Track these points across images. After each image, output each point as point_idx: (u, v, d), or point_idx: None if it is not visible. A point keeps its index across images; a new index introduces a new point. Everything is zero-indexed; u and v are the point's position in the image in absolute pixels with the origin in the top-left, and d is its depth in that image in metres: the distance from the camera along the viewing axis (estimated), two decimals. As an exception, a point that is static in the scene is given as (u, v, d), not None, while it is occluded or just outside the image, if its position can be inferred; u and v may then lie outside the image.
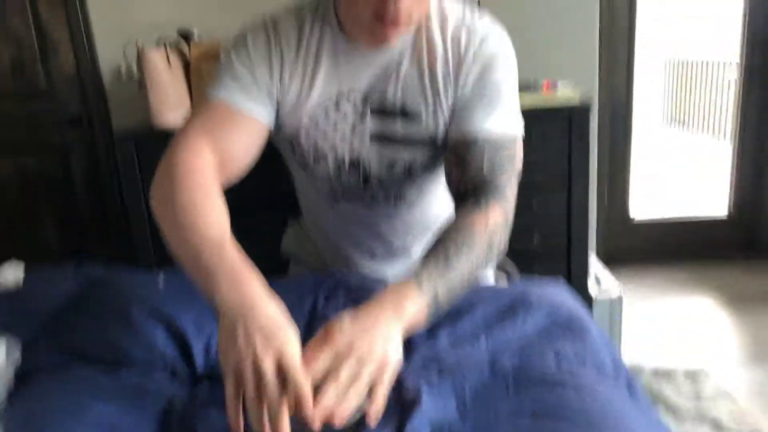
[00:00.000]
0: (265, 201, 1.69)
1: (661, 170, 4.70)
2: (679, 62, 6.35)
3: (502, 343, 0.78)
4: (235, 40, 0.94)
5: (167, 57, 2.03)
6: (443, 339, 0.80)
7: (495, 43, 0.93)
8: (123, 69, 2.32)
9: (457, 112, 0.93)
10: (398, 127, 0.95)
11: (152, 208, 0.81)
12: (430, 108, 0.94)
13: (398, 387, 0.70)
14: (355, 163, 0.99)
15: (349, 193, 1.03)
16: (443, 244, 0.82)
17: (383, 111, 0.95)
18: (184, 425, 0.68)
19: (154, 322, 0.84)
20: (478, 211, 0.86)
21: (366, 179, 1.00)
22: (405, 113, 0.95)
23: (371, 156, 0.97)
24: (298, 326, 0.86)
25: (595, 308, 2.15)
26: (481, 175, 0.90)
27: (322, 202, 1.08)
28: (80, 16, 2.32)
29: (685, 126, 6.18)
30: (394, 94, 0.94)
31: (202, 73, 2.07)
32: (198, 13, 2.33)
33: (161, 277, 0.94)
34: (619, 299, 2.14)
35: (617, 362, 0.77)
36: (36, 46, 2.34)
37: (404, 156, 0.97)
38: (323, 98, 0.95)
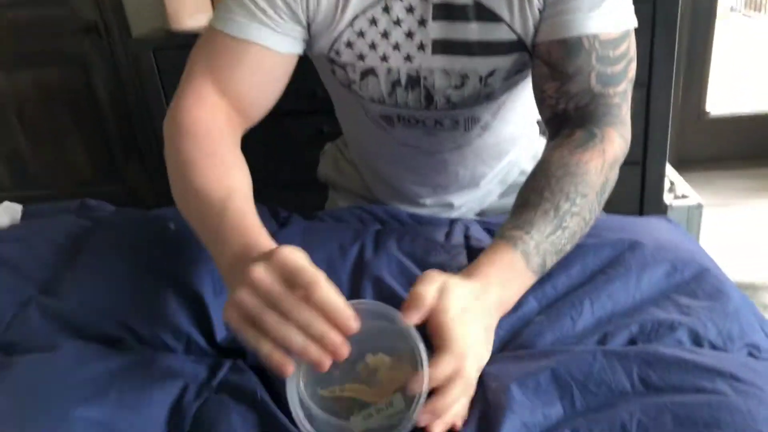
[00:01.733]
0: (299, 106, 1.49)
1: (736, 62, 4.24)
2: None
3: (613, 313, 0.59)
4: None
5: (181, -51, 1.78)
6: (532, 306, 0.61)
7: None
8: (136, -34, 2.10)
9: (552, 7, 0.69)
10: (473, 31, 0.72)
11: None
12: (516, 4, 0.70)
13: (479, 385, 0.53)
14: (414, 80, 0.76)
15: (407, 116, 0.82)
16: (551, 194, 0.62)
17: (451, 12, 0.71)
18: (200, 421, 0.53)
19: (164, 283, 0.68)
20: (592, 145, 0.66)
21: (429, 99, 0.78)
22: (481, 13, 0.71)
23: (435, 70, 0.75)
24: (341, 280, 0.70)
25: (671, 217, 1.95)
26: (588, 92, 0.68)
27: (371, 127, 0.87)
28: None
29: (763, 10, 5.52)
30: None
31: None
32: None
33: (172, 224, 0.77)
34: (698, 207, 1.92)
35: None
36: (45, -55, 2.11)
37: (480, 68, 0.74)
38: (366, 1, 0.72)
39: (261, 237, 0.56)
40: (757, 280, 1.84)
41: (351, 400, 0.52)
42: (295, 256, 0.48)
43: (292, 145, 1.79)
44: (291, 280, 0.47)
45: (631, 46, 0.70)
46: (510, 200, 1.00)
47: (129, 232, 0.76)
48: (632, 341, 0.56)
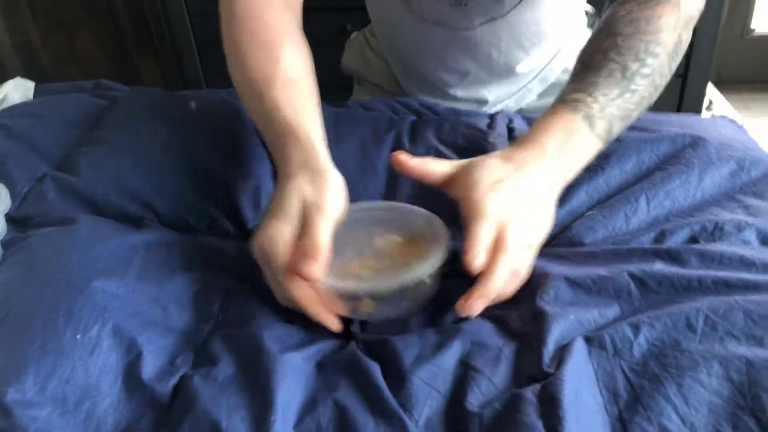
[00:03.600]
0: (323, 2, 1.40)
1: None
2: None
3: (671, 212, 0.54)
4: None
5: None
6: (582, 200, 0.56)
7: None
8: None
9: None
10: None
11: None
12: None
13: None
14: None
15: None
16: (618, 54, 0.55)
17: None
18: (231, 313, 0.49)
19: (185, 162, 0.64)
20: None
21: None
22: None
23: None
24: (376, 169, 0.65)
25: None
26: None
27: (393, 3, 0.79)
28: None
29: None
30: None
31: None
32: None
33: (193, 102, 0.72)
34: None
35: None
36: None
37: None
38: None
39: (290, 140, 0.52)
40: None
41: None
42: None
43: (313, 43, 1.70)
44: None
45: None
46: (550, 100, 0.93)
47: (148, 110, 0.71)
48: (693, 240, 0.51)
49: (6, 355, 0.43)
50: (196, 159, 0.64)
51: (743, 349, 0.39)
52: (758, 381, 0.38)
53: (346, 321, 0.48)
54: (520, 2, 0.76)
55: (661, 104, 1.65)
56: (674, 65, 0.59)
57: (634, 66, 0.55)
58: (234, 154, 0.65)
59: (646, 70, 0.55)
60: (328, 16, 1.62)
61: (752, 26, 2.42)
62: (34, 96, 0.86)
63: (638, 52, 0.55)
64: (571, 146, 0.52)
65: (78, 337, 0.44)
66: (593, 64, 0.56)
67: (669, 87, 1.71)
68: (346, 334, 0.47)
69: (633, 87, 0.54)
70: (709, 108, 1.90)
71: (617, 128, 0.55)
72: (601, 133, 0.53)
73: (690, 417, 0.37)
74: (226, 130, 0.69)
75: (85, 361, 0.43)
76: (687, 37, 0.59)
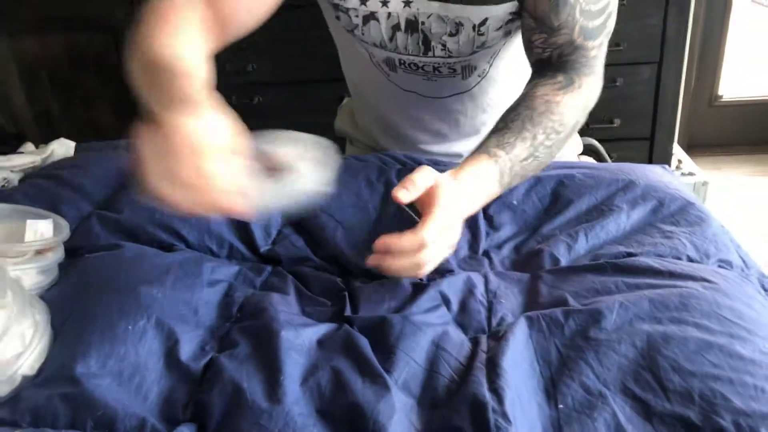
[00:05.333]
0: (325, 74, 1.57)
1: (753, 47, 4.23)
2: None
3: (605, 242, 0.67)
4: None
5: None
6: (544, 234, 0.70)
7: None
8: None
9: None
10: None
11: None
12: None
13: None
14: (413, 24, 0.81)
15: (407, 62, 0.87)
16: (532, 125, 0.70)
17: None
18: (246, 307, 0.61)
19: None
20: (571, 90, 0.74)
21: (427, 45, 0.84)
22: None
23: (432, 15, 0.80)
24: (369, 211, 0.78)
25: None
26: (571, 44, 0.75)
27: (374, 72, 0.93)
28: None
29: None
30: None
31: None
32: None
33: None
34: (704, 184, 1.97)
35: (746, 258, 0.65)
36: None
37: (472, 16, 0.79)
38: None
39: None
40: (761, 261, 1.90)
41: None
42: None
43: (316, 110, 1.86)
44: None
45: (612, 3, 0.75)
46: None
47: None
48: (618, 257, 0.64)
49: (73, 341, 0.55)
50: (218, 199, 0.77)
51: (646, 326, 0.51)
52: (655, 347, 0.49)
53: (341, 308, 0.60)
54: (480, 81, 0.90)
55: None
56: (570, 141, 0.74)
57: (540, 137, 0.69)
58: (249, 195, 0.78)
59: (548, 143, 0.70)
60: (330, 87, 1.79)
61: (720, 93, 2.61)
62: (75, 153, 1.00)
63: (546, 128, 0.70)
64: (482, 192, 0.67)
65: (129, 327, 0.56)
66: (512, 126, 0.70)
67: (638, 147, 1.87)
68: (341, 319, 0.59)
69: (536, 154, 0.69)
70: (678, 167, 2.05)
71: (515, 183, 0.70)
72: (504, 186, 0.68)
73: (603, 374, 0.49)
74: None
75: (135, 346, 0.54)
76: (583, 120, 0.75)
